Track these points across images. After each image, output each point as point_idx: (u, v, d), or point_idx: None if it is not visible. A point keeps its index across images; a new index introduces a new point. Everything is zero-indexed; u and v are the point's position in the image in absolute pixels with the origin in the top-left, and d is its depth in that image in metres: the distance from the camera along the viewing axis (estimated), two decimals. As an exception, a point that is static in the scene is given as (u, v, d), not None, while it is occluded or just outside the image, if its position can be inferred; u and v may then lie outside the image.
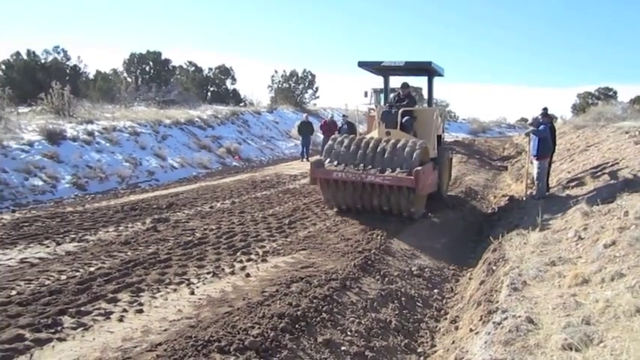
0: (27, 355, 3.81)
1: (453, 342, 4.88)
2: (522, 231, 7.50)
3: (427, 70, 10.27)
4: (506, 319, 4.44)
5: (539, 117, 10.62)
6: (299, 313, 4.62)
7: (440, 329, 5.40)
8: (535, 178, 10.36)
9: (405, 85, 10.52)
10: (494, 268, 6.37)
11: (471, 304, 5.59)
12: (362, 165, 8.69)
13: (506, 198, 11.71)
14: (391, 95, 11.03)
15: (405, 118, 9.85)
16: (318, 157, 10.36)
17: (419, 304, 5.88)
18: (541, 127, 10.28)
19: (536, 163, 10.28)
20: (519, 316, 4.37)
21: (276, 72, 34.70)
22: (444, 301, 6.18)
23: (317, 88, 34.67)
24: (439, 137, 11.12)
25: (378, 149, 8.79)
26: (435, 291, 6.39)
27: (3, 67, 27.03)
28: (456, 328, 5.23)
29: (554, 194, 10.19)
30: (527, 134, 10.96)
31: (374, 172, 8.47)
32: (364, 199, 8.89)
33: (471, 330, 4.80)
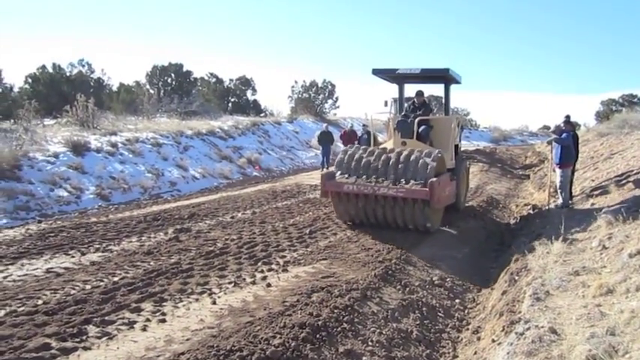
0: (53, 363, 3.88)
1: (475, 352, 4.85)
2: (545, 240, 7.41)
3: (444, 77, 10.05)
4: (529, 329, 4.40)
5: (562, 125, 10.51)
6: (320, 323, 4.63)
7: (462, 339, 5.36)
8: (558, 186, 10.24)
9: (420, 93, 10.23)
10: (516, 278, 6.31)
11: (493, 315, 5.53)
12: (374, 177, 8.39)
13: (529, 207, 11.58)
14: (406, 104, 10.69)
15: (422, 127, 9.60)
16: (329, 168, 9.96)
17: (440, 314, 5.84)
18: (564, 135, 10.18)
19: (559, 171, 10.17)
20: (542, 327, 4.32)
21: (296, 82, 34.94)
22: (466, 311, 6.13)
23: (337, 98, 34.82)
24: (456, 147, 10.78)
25: (392, 160, 8.46)
26: (457, 301, 6.35)
27: (29, 80, 27.61)
28: (478, 339, 5.18)
29: (578, 203, 10.07)
30: (550, 142, 10.83)
31: (387, 184, 8.17)
32: (377, 212, 8.60)
33: (494, 340, 4.76)
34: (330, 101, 34.56)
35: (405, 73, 9.90)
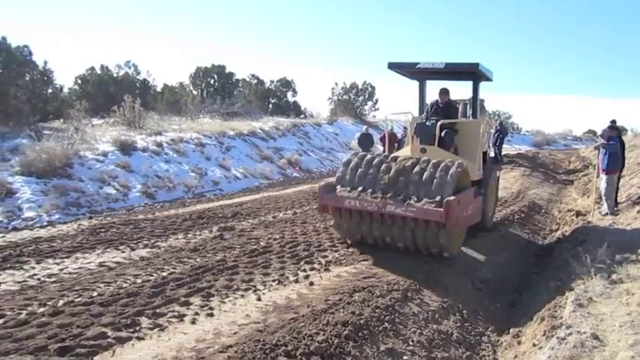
0: (110, 351, 4.10)
1: (516, 356, 4.88)
2: (588, 247, 7.34)
3: (473, 73, 8.67)
4: (570, 334, 4.41)
5: (607, 130, 10.33)
6: (362, 321, 4.75)
7: (502, 343, 5.38)
8: (603, 193, 10.08)
9: (444, 92, 8.80)
10: (558, 283, 6.28)
11: (534, 319, 5.54)
12: (382, 192, 6.85)
13: (572, 213, 11.41)
14: (428, 105, 9.26)
15: (445, 131, 8.16)
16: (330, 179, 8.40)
17: (480, 317, 5.88)
18: (611, 140, 10.00)
19: (605, 177, 10.00)
20: (584, 332, 4.33)
21: (336, 84, 35.06)
22: (507, 316, 6.14)
23: (377, 100, 34.80)
24: (485, 154, 9.41)
25: (404, 172, 6.93)
26: (498, 305, 6.36)
27: (79, 81, 28.55)
28: (519, 343, 5.20)
29: (623, 210, 9.88)
30: (597, 147, 10.65)
31: (395, 202, 6.66)
32: (384, 234, 7.12)
33: (534, 345, 4.79)
34: (369, 103, 34.58)
35: (427, 68, 8.47)
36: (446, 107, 8.71)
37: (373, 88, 34.51)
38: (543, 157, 25.73)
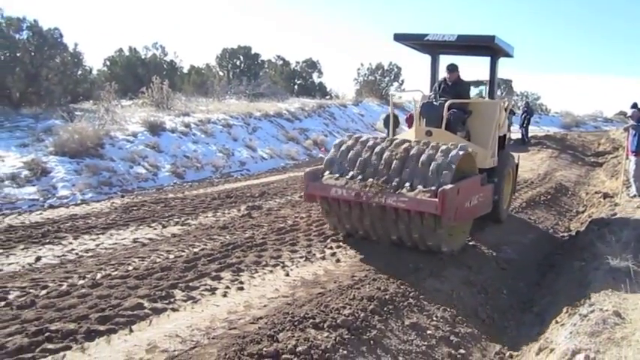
0: (147, 321, 4.32)
1: (539, 333, 4.97)
2: (614, 228, 7.35)
3: (489, 48, 7.75)
4: (593, 312, 4.49)
5: (636, 111, 10.20)
6: (387, 297, 4.89)
7: (525, 321, 5.48)
8: (631, 175, 10.00)
9: (452, 68, 7.93)
10: (582, 263, 6.33)
11: (557, 298, 5.62)
12: (373, 179, 6.05)
13: (600, 195, 11.34)
14: (437, 83, 8.51)
15: (453, 112, 7.47)
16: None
17: (504, 295, 5.97)
18: (640, 121, 9.89)
19: (634, 159, 9.92)
20: (607, 310, 4.41)
21: (361, 65, 34.90)
22: (530, 295, 6.22)
23: (402, 81, 34.55)
24: (503, 138, 8.68)
25: (398, 157, 6.11)
26: (521, 284, 6.44)
27: (108, 63, 28.97)
28: (542, 320, 5.29)
29: (652, 192, 9.79)
30: (627, 129, 10.53)
31: (386, 191, 5.88)
32: (376, 227, 6.38)
33: (557, 322, 4.88)
34: (395, 84, 34.38)
35: (437, 41, 7.56)
36: (455, 85, 7.93)
37: (399, 68, 34.26)
38: (572, 139, 25.41)
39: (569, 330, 4.34)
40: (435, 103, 7.75)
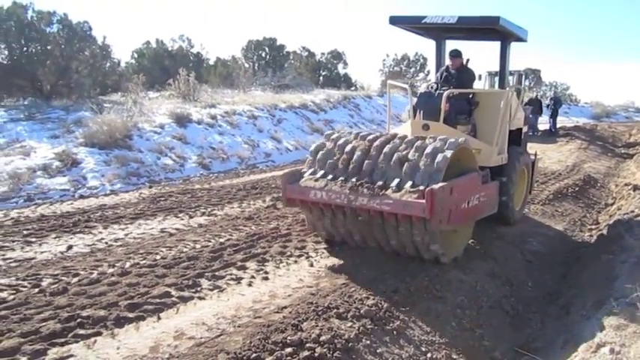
0: (174, 309, 4.43)
1: (565, 325, 4.94)
2: (644, 220, 7.23)
3: (497, 31, 6.72)
4: (619, 305, 4.45)
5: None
6: (411, 288, 4.91)
7: (550, 313, 5.44)
8: (662, 166, 9.79)
9: (455, 54, 7.24)
10: (610, 256, 6.25)
11: (583, 291, 5.56)
12: (355, 179, 5.32)
13: (629, 187, 11.12)
14: (439, 72, 7.68)
15: (453, 103, 6.80)
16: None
17: (529, 287, 5.93)
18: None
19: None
20: (633, 304, 4.36)
21: (387, 55, 34.88)
22: (556, 287, 6.17)
23: (428, 72, 34.36)
24: (518, 133, 7.91)
25: (385, 153, 5.38)
26: (547, 276, 6.39)
27: (135, 55, 29.38)
28: (567, 313, 5.25)
29: (684, 184, 9.59)
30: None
31: (369, 192, 5.11)
32: (364, 234, 5.72)
33: (582, 315, 4.84)
34: (421, 74, 34.17)
35: (436, 23, 6.72)
36: (459, 73, 7.21)
37: (425, 59, 34.10)
38: (602, 130, 24.93)
39: (594, 323, 4.31)
40: (433, 93, 6.96)
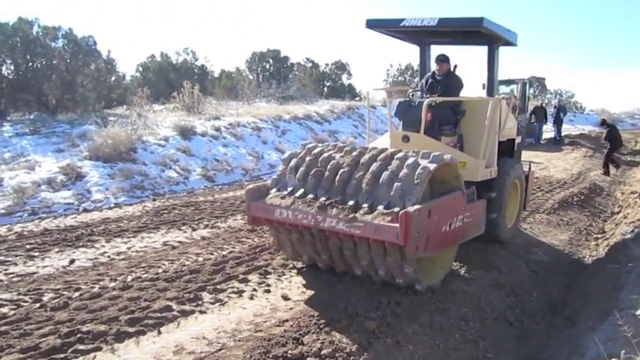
0: (175, 323, 4.41)
1: (569, 337, 4.88)
2: (650, 229, 7.16)
3: (483, 34, 6.22)
4: (626, 316, 4.38)
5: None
6: (415, 301, 4.86)
7: (555, 325, 5.37)
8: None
9: (442, 58, 6.74)
10: (616, 266, 6.18)
11: (589, 302, 5.50)
12: (325, 198, 4.83)
13: (636, 195, 11.04)
14: (424, 79, 7.20)
15: (435, 112, 6.31)
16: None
17: (534, 298, 5.87)
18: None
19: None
20: (640, 315, 4.30)
21: (391, 66, 34.94)
22: (561, 297, 6.10)
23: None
24: (511, 143, 7.45)
25: (358, 169, 4.89)
26: (552, 287, 6.32)
27: (140, 68, 29.56)
28: (572, 324, 5.19)
29: (691, 191, 9.51)
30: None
31: (338, 213, 4.62)
32: (335, 259, 5.16)
33: (588, 326, 4.77)
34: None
35: (415, 26, 6.17)
36: (445, 80, 6.71)
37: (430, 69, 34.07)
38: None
39: (601, 334, 4.25)
40: (413, 101, 6.49)
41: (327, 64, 38.97)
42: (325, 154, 5.23)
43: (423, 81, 7.08)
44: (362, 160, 4.96)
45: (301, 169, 5.20)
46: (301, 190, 5.05)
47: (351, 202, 4.66)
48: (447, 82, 6.69)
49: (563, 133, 23.67)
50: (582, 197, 11.03)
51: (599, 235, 8.71)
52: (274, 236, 5.75)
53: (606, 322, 4.52)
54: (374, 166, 4.82)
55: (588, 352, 4.13)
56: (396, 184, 4.55)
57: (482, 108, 6.58)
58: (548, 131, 23.96)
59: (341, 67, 38.76)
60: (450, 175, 5.18)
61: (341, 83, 38.73)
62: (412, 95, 6.86)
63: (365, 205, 4.60)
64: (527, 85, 22.50)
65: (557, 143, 22.20)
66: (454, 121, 6.59)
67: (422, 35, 7.07)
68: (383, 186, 4.63)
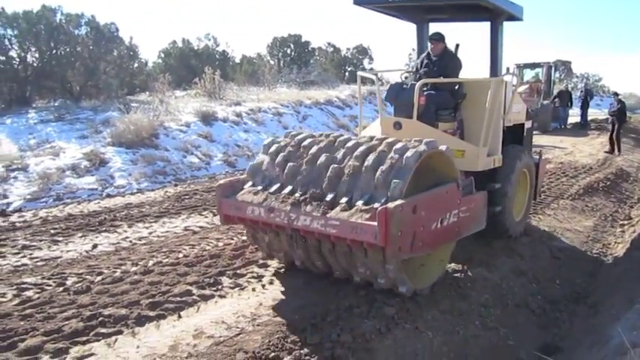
0: (195, 307, 4.44)
1: (592, 325, 4.81)
2: (678, 215, 7.00)
3: (484, 8, 5.70)
4: (651, 304, 4.30)
5: None
6: (435, 286, 4.81)
7: (578, 312, 5.30)
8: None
9: (437, 37, 6.12)
10: (642, 252, 6.07)
11: (614, 289, 5.41)
12: (300, 193, 4.33)
13: (664, 180, 10.81)
14: (419, 59, 6.57)
15: (429, 95, 5.82)
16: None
17: (557, 285, 5.79)
18: None
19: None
20: (666, 303, 4.21)
21: (413, 49, 34.39)
22: (585, 285, 6.01)
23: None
24: (520, 129, 6.76)
25: (338, 160, 4.39)
26: (575, 274, 6.23)
27: (162, 55, 29.71)
28: (596, 312, 5.11)
29: None
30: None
31: (312, 210, 4.13)
32: (314, 259, 4.70)
33: (612, 315, 4.70)
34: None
35: (408, 1, 5.84)
36: (441, 60, 6.12)
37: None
38: (635, 122, 24.30)
39: (625, 323, 4.18)
40: (404, 85, 5.97)
41: (348, 49, 38.78)
42: (306, 142, 4.70)
43: (418, 62, 6.48)
44: (343, 151, 4.45)
45: (278, 159, 4.67)
46: (277, 185, 4.54)
47: (329, 197, 4.16)
48: (444, 62, 6.10)
49: (589, 118, 23.21)
50: (608, 183, 10.81)
51: (625, 222, 8.54)
52: (250, 235, 5.24)
53: (631, 311, 4.45)
54: (357, 153, 4.29)
55: (612, 340, 4.06)
56: (380, 168, 4.05)
57: (485, 90, 5.84)
58: (574, 116, 23.53)
59: (362, 51, 38.50)
60: (444, 166, 4.60)
61: (362, 68, 38.46)
62: (405, 78, 6.33)
63: (343, 200, 4.09)
64: (553, 69, 22.08)
65: (582, 128, 21.80)
66: (453, 106, 6.03)
67: (417, 11, 6.52)
68: (364, 176, 4.12)
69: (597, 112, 29.47)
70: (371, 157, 4.19)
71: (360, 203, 3.99)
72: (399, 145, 4.19)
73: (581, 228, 7.82)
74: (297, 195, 4.31)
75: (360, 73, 6.85)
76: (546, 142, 16.89)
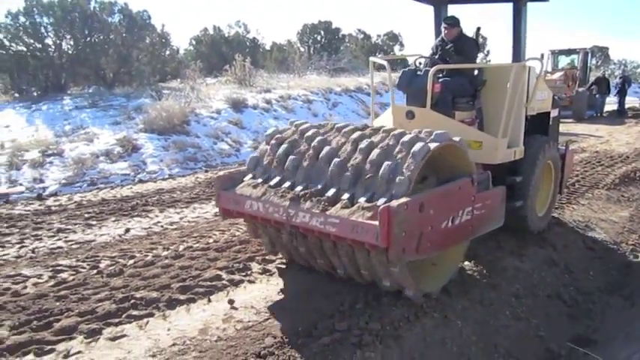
0: (224, 291, 4.48)
1: (627, 318, 4.71)
2: None
3: None
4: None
5: None
6: (465, 275, 4.79)
7: (612, 305, 5.18)
8: None
9: (452, 22, 5.80)
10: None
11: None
12: (302, 187, 4.04)
13: None
14: (434, 43, 6.18)
15: (445, 82, 5.45)
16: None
17: (590, 276, 5.67)
18: None
19: None
20: None
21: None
22: (619, 277, 5.87)
23: (488, 52, 33.43)
24: (545, 118, 6.27)
25: (342, 153, 4.09)
26: (610, 265, 6.08)
27: (193, 42, 29.94)
28: (631, 305, 5.00)
29: None
30: None
31: (312, 207, 3.81)
32: (315, 257, 4.40)
33: (648, 307, 4.59)
34: (480, 55, 33.19)
35: None
36: (455, 45, 5.75)
37: (485, 39, 33.05)
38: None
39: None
40: (417, 72, 5.54)
41: (378, 36, 38.51)
42: (309, 133, 4.42)
43: (433, 47, 6.12)
44: (349, 142, 4.14)
45: (279, 151, 4.39)
46: (277, 178, 4.26)
47: (330, 193, 3.87)
48: (459, 47, 5.72)
49: (627, 106, 22.59)
50: (643, 173, 10.51)
51: (664, 212, 8.30)
52: (250, 230, 4.98)
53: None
54: (361, 146, 3.99)
55: (647, 334, 3.97)
56: (385, 162, 3.75)
57: (506, 76, 5.36)
58: (610, 103, 22.93)
59: (393, 38, 38.16)
60: (458, 159, 4.22)
61: (393, 54, 38.10)
62: (419, 64, 5.90)
63: (345, 197, 3.80)
64: (590, 55, 21.50)
65: (620, 116, 21.22)
66: (471, 93, 5.61)
67: None
68: (368, 171, 3.82)
69: (635, 100, 28.66)
70: (376, 151, 3.89)
71: (362, 200, 3.70)
72: (406, 138, 3.87)
73: (616, 218, 7.63)
74: (297, 190, 4.03)
75: (372, 58, 6.33)
76: (582, 130, 16.52)
